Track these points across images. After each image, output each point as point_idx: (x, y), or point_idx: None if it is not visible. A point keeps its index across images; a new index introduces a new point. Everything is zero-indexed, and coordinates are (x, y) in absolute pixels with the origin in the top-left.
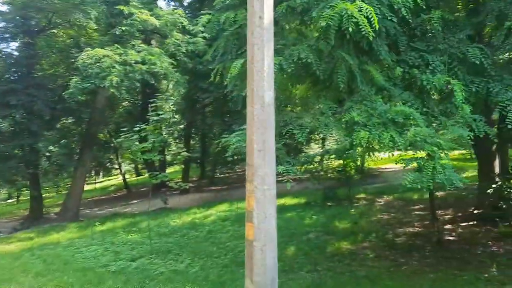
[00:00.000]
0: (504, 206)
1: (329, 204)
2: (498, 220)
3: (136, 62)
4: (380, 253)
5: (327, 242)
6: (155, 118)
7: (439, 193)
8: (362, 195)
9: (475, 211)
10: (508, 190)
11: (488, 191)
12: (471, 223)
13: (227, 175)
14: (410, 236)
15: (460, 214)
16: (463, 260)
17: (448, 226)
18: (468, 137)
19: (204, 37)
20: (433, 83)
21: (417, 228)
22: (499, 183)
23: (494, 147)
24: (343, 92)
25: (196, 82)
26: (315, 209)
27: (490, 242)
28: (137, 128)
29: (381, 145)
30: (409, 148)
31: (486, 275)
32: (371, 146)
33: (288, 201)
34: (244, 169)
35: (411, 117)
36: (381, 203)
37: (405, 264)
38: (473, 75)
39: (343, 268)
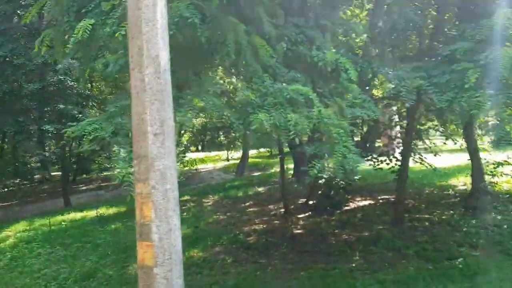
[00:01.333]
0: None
1: None
2: (331, 209)
3: None
4: (238, 257)
5: None
6: None
7: (261, 189)
8: (186, 197)
9: (310, 202)
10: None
11: (320, 181)
12: (307, 214)
13: (12, 188)
14: (261, 234)
15: (292, 206)
16: (324, 252)
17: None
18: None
19: None
20: (325, 60)
21: (261, 225)
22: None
23: None
24: (228, 68)
25: None
26: None
27: (336, 231)
28: None
29: (282, 130)
30: (312, 132)
31: (354, 265)
32: (268, 132)
33: (106, 210)
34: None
35: (310, 97)
36: (209, 203)
37: (268, 265)
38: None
39: (207, 280)
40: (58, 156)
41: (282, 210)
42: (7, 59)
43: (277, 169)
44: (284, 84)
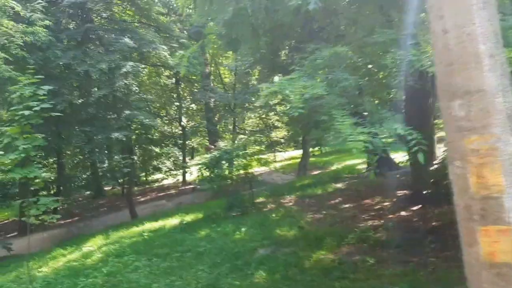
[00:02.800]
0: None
1: (233, 214)
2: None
3: None
4: (379, 257)
5: (294, 255)
6: None
7: (339, 185)
8: (261, 199)
9: (424, 192)
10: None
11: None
12: (418, 206)
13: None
14: (389, 230)
15: (394, 199)
16: None
17: (403, 213)
18: None
19: (46, 25)
20: None
21: (376, 221)
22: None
23: None
24: None
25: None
26: (225, 222)
27: None
28: None
29: None
30: None
31: None
32: None
33: (183, 217)
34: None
35: None
36: (291, 204)
37: (423, 264)
38: None
39: (363, 286)
40: (125, 165)
41: (386, 204)
42: (71, 68)
43: (339, 165)
44: None
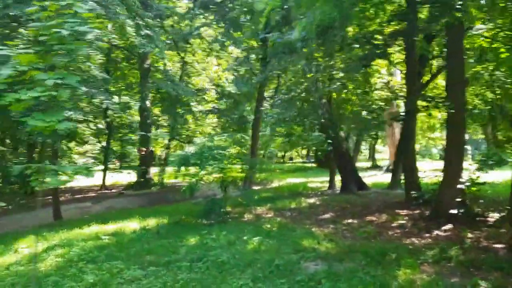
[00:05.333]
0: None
1: (208, 221)
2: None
3: None
4: (491, 280)
5: (369, 274)
6: None
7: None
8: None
9: (453, 212)
10: None
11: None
12: (449, 226)
13: None
14: (459, 250)
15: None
16: None
17: (439, 232)
18: None
19: None
20: None
21: (417, 239)
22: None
23: None
24: None
25: None
26: (210, 229)
27: None
28: None
29: None
30: None
31: None
32: None
33: (143, 222)
34: None
35: None
36: (271, 216)
37: None
38: None
39: None
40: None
41: (399, 221)
42: None
43: (280, 182)
44: None
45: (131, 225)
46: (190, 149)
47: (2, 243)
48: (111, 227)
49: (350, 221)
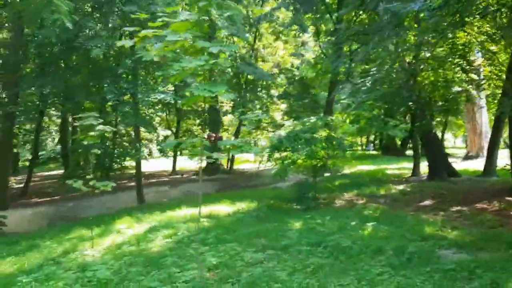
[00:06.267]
0: None
1: (300, 207)
2: None
3: None
4: None
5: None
6: None
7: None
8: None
9: None
10: None
11: None
12: None
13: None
14: None
15: None
16: None
17: None
18: None
19: None
20: None
21: None
22: None
23: None
24: None
25: None
26: (307, 214)
27: None
28: None
29: None
30: None
31: None
32: None
33: (234, 206)
34: None
35: None
36: (363, 202)
37: None
38: None
39: None
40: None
41: None
42: None
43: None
44: None
45: (222, 208)
46: (280, 133)
47: (102, 223)
48: (202, 209)
49: (458, 208)
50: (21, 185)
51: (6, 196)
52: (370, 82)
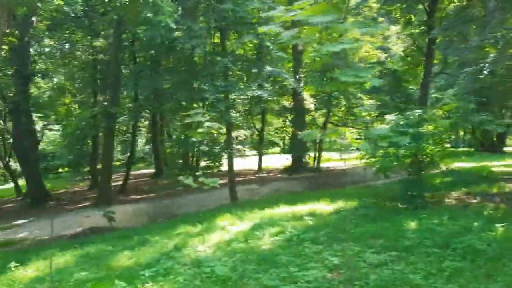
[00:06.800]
0: None
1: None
2: None
3: None
4: None
5: None
6: None
7: None
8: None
9: None
10: None
11: None
12: None
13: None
14: None
15: None
16: None
17: None
18: None
19: None
20: None
21: None
22: None
23: None
24: None
25: None
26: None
27: None
28: None
29: None
30: None
31: None
32: None
33: (334, 204)
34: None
35: None
36: (476, 201)
37: None
38: None
39: None
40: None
41: None
42: None
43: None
44: None
45: (322, 207)
46: (382, 127)
47: (205, 220)
48: (300, 208)
49: None
50: (118, 183)
51: (111, 193)
52: (467, 73)
